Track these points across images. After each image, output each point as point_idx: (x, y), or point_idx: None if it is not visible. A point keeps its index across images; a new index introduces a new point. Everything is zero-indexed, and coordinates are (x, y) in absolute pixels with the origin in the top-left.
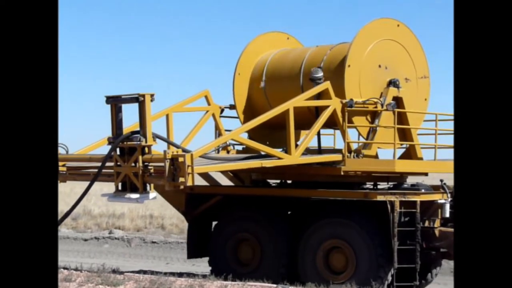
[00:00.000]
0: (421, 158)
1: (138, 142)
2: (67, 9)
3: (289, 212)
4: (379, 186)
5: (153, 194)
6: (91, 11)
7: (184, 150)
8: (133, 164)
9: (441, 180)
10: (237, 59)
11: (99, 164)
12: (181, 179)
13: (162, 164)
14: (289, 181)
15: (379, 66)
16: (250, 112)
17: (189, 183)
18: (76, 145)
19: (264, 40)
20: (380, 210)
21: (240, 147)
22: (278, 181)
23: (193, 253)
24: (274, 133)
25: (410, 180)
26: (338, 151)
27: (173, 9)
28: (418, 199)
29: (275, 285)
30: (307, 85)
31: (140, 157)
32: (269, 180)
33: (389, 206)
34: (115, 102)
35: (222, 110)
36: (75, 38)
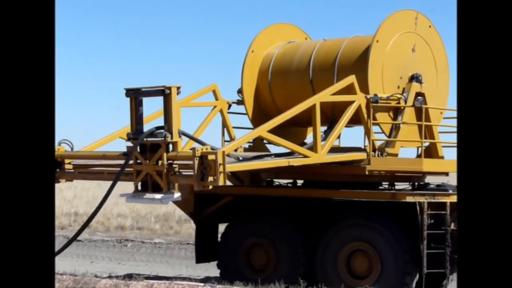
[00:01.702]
0: (442, 157)
1: (163, 139)
2: (64, 7)
3: (306, 214)
4: (396, 187)
5: (177, 194)
6: (90, 7)
7: (212, 148)
8: (155, 163)
9: None
10: (244, 53)
11: (112, 162)
12: (210, 179)
13: (187, 162)
14: (299, 181)
15: (401, 59)
16: (257, 107)
17: (221, 183)
18: (76, 142)
19: (271, 33)
20: (407, 212)
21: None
22: (287, 181)
23: (201, 257)
24: (283, 130)
25: (428, 180)
26: (360, 149)
27: (176, 3)
28: (448, 200)
29: (202, 284)
30: (317, 79)
31: (165, 155)
32: (276, 180)
33: (418, 208)
34: (136, 95)
35: (229, 106)
36: (77, 35)
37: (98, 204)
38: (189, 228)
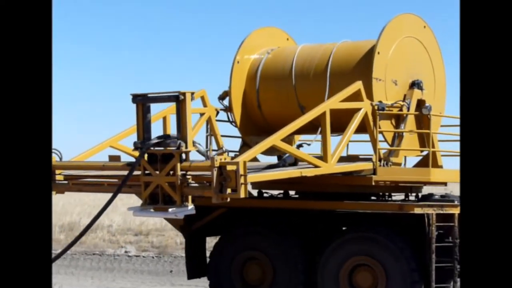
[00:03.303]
0: (441, 166)
1: (177, 148)
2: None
3: (305, 226)
4: (393, 197)
5: (191, 206)
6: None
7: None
8: (167, 174)
9: None
10: (230, 57)
11: (113, 173)
12: (229, 190)
13: (202, 173)
14: (291, 192)
15: (402, 65)
16: (244, 115)
17: (242, 195)
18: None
19: (258, 37)
20: (413, 224)
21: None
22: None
23: (193, 273)
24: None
25: (425, 190)
26: (358, 158)
27: (160, 7)
28: (456, 211)
29: None
30: (300, 85)
31: (179, 165)
32: (265, 191)
33: (426, 220)
34: (144, 101)
35: (217, 113)
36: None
37: (96, 215)
38: (95, 238)
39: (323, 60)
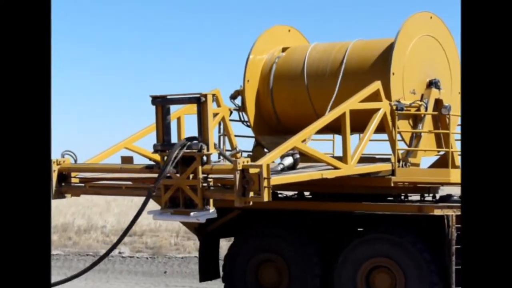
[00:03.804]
0: (458, 167)
1: (199, 151)
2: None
3: (322, 228)
4: (410, 198)
5: (213, 210)
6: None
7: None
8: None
9: None
10: (243, 56)
11: (125, 175)
12: (251, 194)
13: (223, 176)
14: (306, 193)
15: (419, 64)
16: (258, 114)
17: (266, 199)
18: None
19: (271, 36)
20: (432, 225)
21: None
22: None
23: (206, 275)
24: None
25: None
26: (375, 159)
27: (170, 7)
28: None
29: None
30: (313, 85)
31: (200, 168)
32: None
33: (446, 221)
34: (164, 103)
35: (231, 113)
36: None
37: (130, 222)
38: (89, 239)
39: (337, 59)
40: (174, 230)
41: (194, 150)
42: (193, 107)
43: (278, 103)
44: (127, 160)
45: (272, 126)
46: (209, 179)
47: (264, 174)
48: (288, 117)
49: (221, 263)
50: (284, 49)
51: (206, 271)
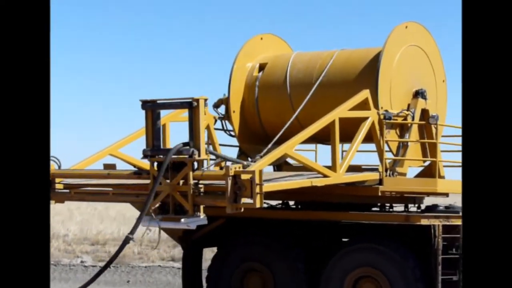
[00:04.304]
0: (443, 177)
1: (190, 156)
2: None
3: (308, 237)
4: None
5: (203, 216)
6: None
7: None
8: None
9: None
10: (227, 64)
11: (110, 181)
12: (243, 200)
13: (214, 182)
14: (291, 202)
15: (406, 74)
16: (243, 123)
17: (258, 205)
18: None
19: (256, 44)
20: (417, 235)
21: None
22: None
23: (189, 285)
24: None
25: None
26: (368, 169)
27: (158, 13)
28: (461, 223)
29: None
30: (296, 94)
31: (191, 174)
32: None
33: (432, 231)
34: (154, 108)
35: (215, 121)
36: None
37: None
38: (50, 247)
39: (322, 69)
40: (137, 238)
41: (185, 156)
42: (179, 114)
43: (263, 112)
44: (110, 167)
45: (257, 135)
46: (200, 185)
47: (257, 180)
48: (272, 126)
49: (204, 272)
50: (261, 66)
51: (189, 281)
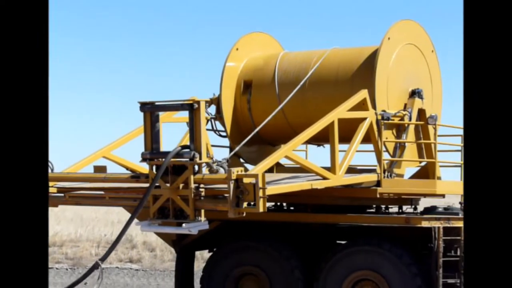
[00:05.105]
0: (439, 177)
1: (191, 160)
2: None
3: (304, 240)
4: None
5: (205, 221)
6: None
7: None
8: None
9: (460, 203)
10: (218, 63)
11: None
12: (245, 204)
13: (216, 186)
14: (283, 204)
15: (403, 73)
16: (235, 124)
17: (261, 210)
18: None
19: (247, 43)
20: (417, 237)
21: None
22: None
23: None
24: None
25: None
26: (364, 170)
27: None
28: (461, 224)
29: None
30: (283, 94)
31: (192, 177)
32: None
33: (433, 233)
34: (153, 110)
35: (207, 121)
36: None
37: (119, 234)
38: None
39: (308, 68)
40: (95, 240)
41: (185, 159)
42: (171, 114)
43: (255, 113)
44: (100, 169)
45: (247, 135)
46: (201, 189)
47: (260, 184)
48: (264, 126)
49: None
50: (246, 83)
51: (182, 285)
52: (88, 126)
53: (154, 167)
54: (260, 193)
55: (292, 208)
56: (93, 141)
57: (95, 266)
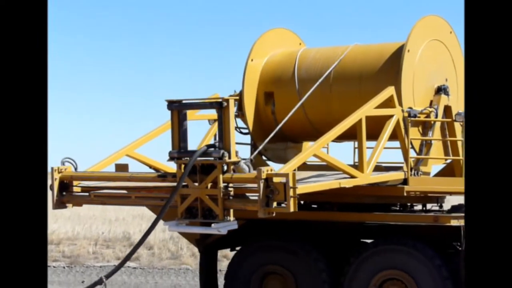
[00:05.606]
0: None
1: (220, 159)
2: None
3: (331, 239)
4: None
5: (234, 221)
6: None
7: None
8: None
9: None
10: (240, 60)
11: (140, 184)
12: (275, 204)
13: (245, 185)
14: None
15: (428, 69)
16: (257, 120)
17: (292, 209)
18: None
19: (269, 39)
20: (445, 236)
21: None
22: None
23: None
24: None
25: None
26: (391, 168)
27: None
28: None
29: None
30: (305, 90)
31: (221, 177)
32: None
33: (462, 232)
34: (181, 108)
35: None
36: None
37: (143, 235)
38: None
39: (338, 64)
40: (93, 238)
41: (213, 158)
42: (193, 112)
43: (278, 109)
44: (122, 167)
45: (271, 132)
46: (230, 189)
47: (291, 183)
48: (287, 123)
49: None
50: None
51: (207, 284)
52: (88, 126)
53: (182, 166)
54: (291, 193)
55: (314, 206)
56: (93, 141)
57: (99, 282)
